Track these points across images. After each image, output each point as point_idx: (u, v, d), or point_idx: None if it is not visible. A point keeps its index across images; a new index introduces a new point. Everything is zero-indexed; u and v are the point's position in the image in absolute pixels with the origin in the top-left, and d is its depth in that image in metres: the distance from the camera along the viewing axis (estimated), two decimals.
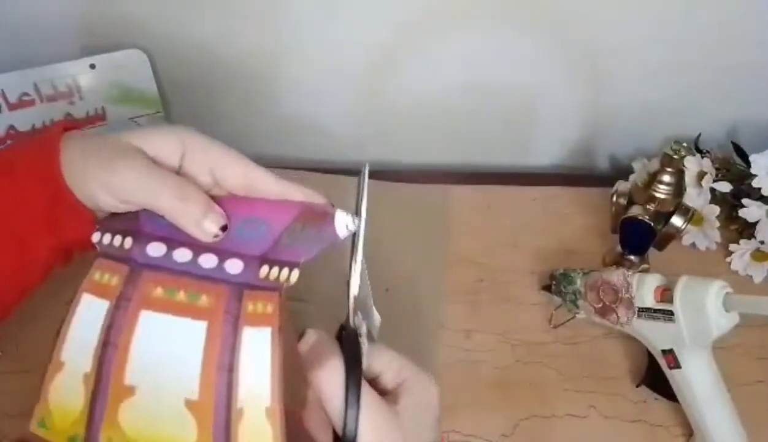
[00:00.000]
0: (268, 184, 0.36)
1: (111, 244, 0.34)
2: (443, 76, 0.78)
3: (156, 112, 0.79)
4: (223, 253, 0.33)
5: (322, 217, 0.34)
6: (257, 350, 0.30)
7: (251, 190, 0.36)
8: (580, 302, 0.60)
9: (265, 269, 0.32)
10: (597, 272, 0.59)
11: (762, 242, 0.67)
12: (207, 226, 0.33)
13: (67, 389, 0.31)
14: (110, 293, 0.32)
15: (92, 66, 0.74)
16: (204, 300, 0.31)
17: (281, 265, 0.32)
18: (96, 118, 0.76)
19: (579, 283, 0.60)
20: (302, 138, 0.86)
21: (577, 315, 0.62)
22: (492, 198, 0.79)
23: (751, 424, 0.52)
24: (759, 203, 0.67)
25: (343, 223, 0.34)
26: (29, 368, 0.57)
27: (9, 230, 0.36)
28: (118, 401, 0.30)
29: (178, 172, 0.36)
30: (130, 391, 0.30)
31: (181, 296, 0.32)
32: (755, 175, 0.67)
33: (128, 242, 0.34)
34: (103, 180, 0.34)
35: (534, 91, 0.79)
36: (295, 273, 0.32)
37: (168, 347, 0.31)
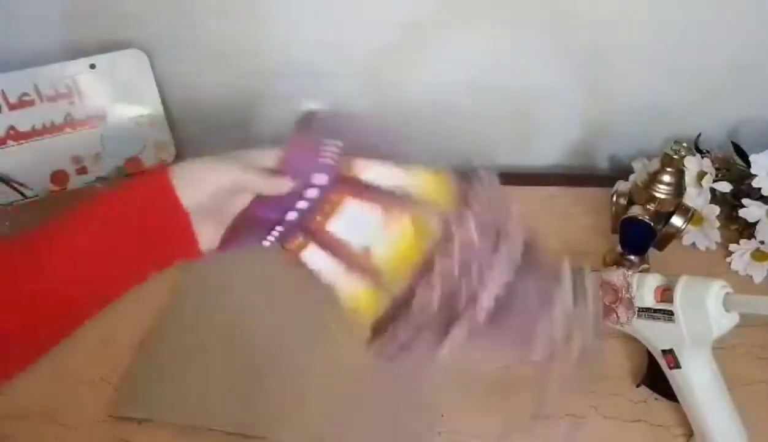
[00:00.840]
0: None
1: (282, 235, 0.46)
2: (445, 76, 0.78)
3: (156, 112, 0.79)
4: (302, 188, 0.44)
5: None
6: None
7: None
8: None
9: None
10: (597, 272, 0.59)
11: (762, 242, 0.67)
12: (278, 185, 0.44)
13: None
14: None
15: (92, 66, 0.74)
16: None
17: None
18: (96, 118, 0.76)
19: None
20: None
21: None
22: None
23: (751, 424, 0.52)
24: (759, 203, 0.67)
25: None
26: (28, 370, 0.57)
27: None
28: None
29: None
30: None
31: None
32: (755, 175, 0.67)
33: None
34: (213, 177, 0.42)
35: (535, 91, 0.79)
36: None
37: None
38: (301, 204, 0.44)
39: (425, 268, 0.40)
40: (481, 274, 0.38)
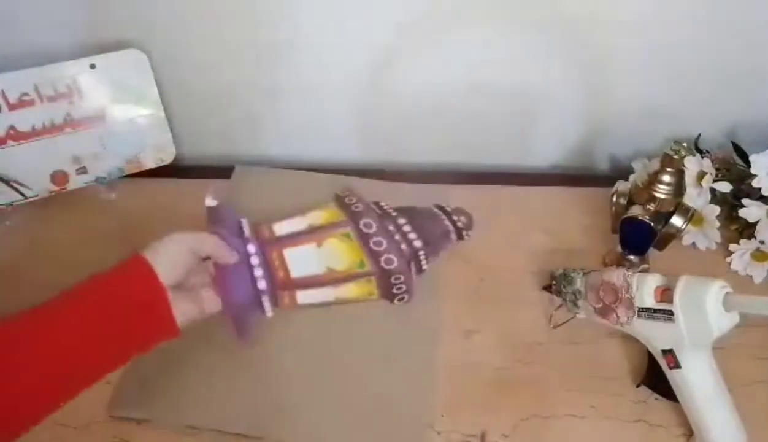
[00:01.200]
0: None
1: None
2: (444, 76, 0.78)
3: (156, 112, 0.79)
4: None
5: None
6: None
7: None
8: (580, 302, 0.60)
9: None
10: (597, 272, 0.59)
11: (762, 242, 0.67)
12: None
13: None
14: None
15: (92, 66, 0.74)
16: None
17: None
18: (96, 118, 0.76)
19: (579, 283, 0.60)
20: (303, 138, 0.85)
21: (577, 315, 0.62)
22: (492, 198, 0.79)
23: (751, 424, 0.52)
24: (759, 203, 0.67)
25: None
26: None
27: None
28: None
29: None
30: None
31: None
32: (755, 175, 0.67)
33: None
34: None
35: (534, 91, 0.79)
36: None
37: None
38: (258, 272, 0.55)
39: (370, 253, 0.58)
40: (395, 231, 0.61)
